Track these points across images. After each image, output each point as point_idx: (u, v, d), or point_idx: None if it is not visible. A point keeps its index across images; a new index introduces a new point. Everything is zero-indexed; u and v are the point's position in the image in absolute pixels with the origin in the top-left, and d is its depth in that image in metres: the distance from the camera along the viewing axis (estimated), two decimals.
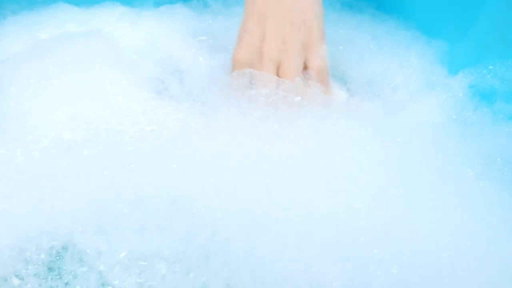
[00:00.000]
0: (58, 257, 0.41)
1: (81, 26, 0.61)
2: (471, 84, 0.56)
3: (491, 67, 0.55)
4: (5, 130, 0.46)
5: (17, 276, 0.40)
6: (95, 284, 0.40)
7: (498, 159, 0.47)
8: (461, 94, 0.55)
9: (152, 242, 0.40)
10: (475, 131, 0.51)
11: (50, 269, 0.41)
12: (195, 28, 0.61)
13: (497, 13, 0.55)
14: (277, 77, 0.50)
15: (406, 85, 0.59)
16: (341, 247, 0.40)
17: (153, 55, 0.57)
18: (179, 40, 0.58)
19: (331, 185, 0.43)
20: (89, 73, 0.49)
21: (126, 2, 0.66)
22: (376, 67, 0.61)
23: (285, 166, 0.44)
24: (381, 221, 0.41)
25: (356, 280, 0.39)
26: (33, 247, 0.41)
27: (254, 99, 0.48)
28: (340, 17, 0.66)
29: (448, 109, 0.55)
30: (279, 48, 0.50)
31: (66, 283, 0.40)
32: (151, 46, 0.58)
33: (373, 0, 0.67)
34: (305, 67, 0.52)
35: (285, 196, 0.43)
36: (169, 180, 0.43)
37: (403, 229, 0.41)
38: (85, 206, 0.42)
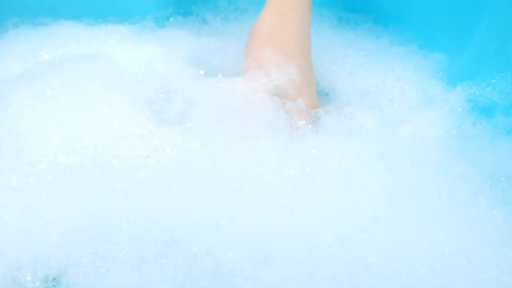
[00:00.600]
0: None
1: (82, 45, 0.62)
2: (470, 98, 0.55)
3: (490, 80, 0.54)
4: (1, 154, 0.46)
5: None
6: None
7: (503, 178, 0.46)
8: (459, 108, 0.55)
9: (150, 276, 0.40)
10: (475, 146, 0.51)
11: None
12: (194, 50, 0.61)
13: (494, 26, 0.55)
14: None
15: (403, 99, 0.58)
16: (348, 277, 0.39)
17: (151, 78, 0.57)
18: (179, 63, 0.58)
19: (335, 214, 0.43)
20: (87, 96, 0.49)
21: (128, 21, 0.67)
22: (372, 80, 0.61)
23: (288, 195, 0.43)
24: (389, 252, 0.40)
25: None
26: (27, 275, 0.41)
27: (257, 123, 0.48)
28: (336, 32, 0.65)
29: (447, 123, 0.54)
30: None
31: None
32: (150, 69, 0.58)
33: (371, 14, 0.67)
34: None
35: (289, 225, 0.42)
36: (166, 209, 0.42)
37: (411, 256, 0.40)
38: (80, 234, 0.41)
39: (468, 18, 0.57)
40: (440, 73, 0.60)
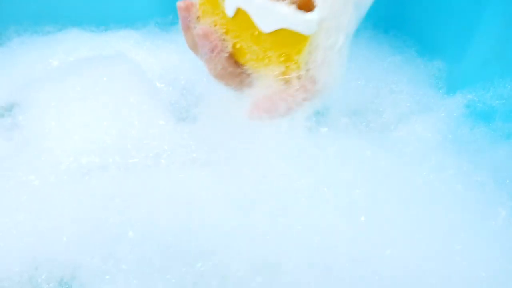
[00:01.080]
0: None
1: (93, 51, 0.62)
2: (468, 104, 0.56)
3: (490, 86, 0.55)
4: (25, 154, 0.46)
5: None
6: None
7: (507, 181, 0.47)
8: (455, 114, 0.56)
9: (156, 280, 0.40)
10: (473, 150, 0.52)
11: None
12: None
13: (493, 33, 0.56)
14: None
15: (404, 106, 0.60)
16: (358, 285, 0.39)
17: (170, 80, 0.57)
18: (195, 64, 0.59)
19: (344, 223, 0.43)
20: (109, 97, 0.50)
21: (130, 27, 0.68)
22: (372, 87, 0.62)
23: (298, 204, 0.44)
24: (399, 260, 0.40)
25: None
26: (42, 275, 0.41)
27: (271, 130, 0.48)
28: None
29: (446, 129, 0.55)
30: None
31: None
32: (168, 71, 0.59)
33: (371, 19, 0.68)
34: None
35: (297, 235, 0.42)
36: (179, 214, 0.43)
37: (425, 271, 0.40)
38: (92, 236, 0.42)
39: (467, 25, 0.58)
40: (440, 80, 0.61)
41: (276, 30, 0.34)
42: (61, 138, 0.46)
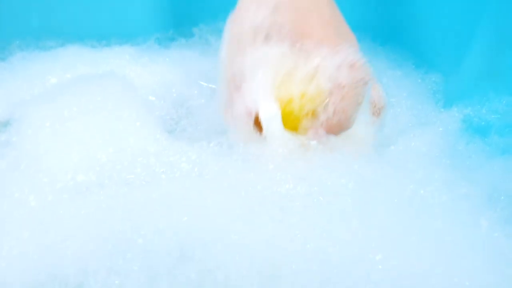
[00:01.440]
0: None
1: (90, 67, 0.63)
2: (465, 118, 0.57)
3: (485, 100, 0.56)
4: (20, 173, 0.47)
5: None
6: None
7: (502, 197, 0.47)
8: (451, 128, 0.57)
9: None
10: (469, 165, 0.52)
11: None
12: (203, 69, 0.63)
13: (489, 46, 0.57)
14: None
15: (401, 119, 0.60)
16: None
17: (164, 96, 0.58)
18: (190, 81, 0.60)
19: (343, 233, 0.43)
20: (103, 114, 0.50)
21: (130, 42, 0.69)
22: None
23: (297, 213, 0.44)
24: (395, 270, 0.41)
25: None
26: None
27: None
28: None
29: (443, 143, 0.55)
30: None
31: None
32: (162, 87, 0.59)
33: (369, 32, 0.69)
34: None
35: (297, 243, 0.42)
36: (179, 224, 0.43)
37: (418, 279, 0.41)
38: (96, 252, 0.42)
39: (463, 39, 0.59)
40: (437, 93, 0.62)
41: None
42: (57, 157, 0.47)
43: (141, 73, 0.62)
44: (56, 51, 0.67)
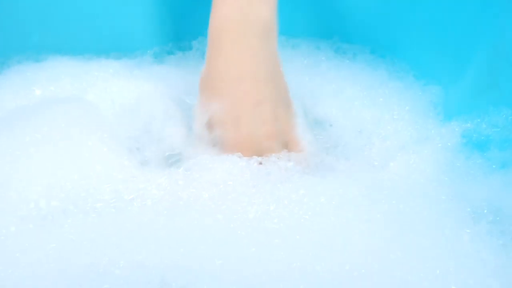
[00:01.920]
0: None
1: (74, 80, 0.62)
2: (464, 133, 0.55)
3: (484, 114, 0.54)
4: None
5: None
6: None
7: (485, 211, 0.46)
8: (449, 144, 0.55)
9: None
10: (467, 181, 0.50)
11: None
12: (188, 87, 0.61)
13: (488, 60, 0.55)
14: None
15: (399, 134, 0.58)
16: None
17: (137, 118, 0.57)
18: (168, 100, 0.59)
19: (327, 252, 0.42)
20: (67, 141, 0.49)
21: (127, 55, 0.68)
22: (368, 115, 0.60)
23: (280, 235, 0.43)
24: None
25: None
26: None
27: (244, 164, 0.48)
28: (332, 66, 0.65)
29: (441, 158, 0.54)
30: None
31: None
32: (136, 109, 0.58)
33: (367, 45, 0.68)
34: None
35: (281, 265, 0.42)
36: (157, 253, 0.42)
37: None
38: (68, 283, 0.40)
39: (463, 51, 0.58)
40: (436, 107, 0.60)
41: None
42: (18, 184, 0.46)
43: (118, 90, 0.61)
44: (45, 63, 0.66)
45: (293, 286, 0.40)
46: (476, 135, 0.54)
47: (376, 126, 0.60)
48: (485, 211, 0.45)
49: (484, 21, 0.55)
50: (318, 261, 0.42)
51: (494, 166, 0.51)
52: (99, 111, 0.54)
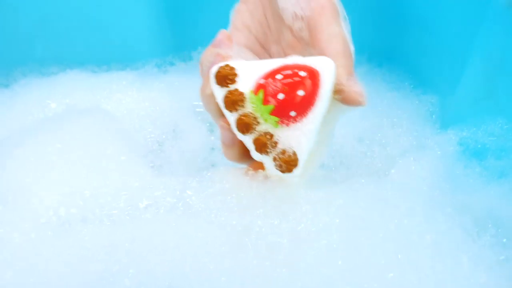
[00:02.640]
0: None
1: (87, 93, 0.64)
2: (461, 141, 0.56)
3: (481, 123, 0.55)
4: (4, 209, 0.47)
5: None
6: None
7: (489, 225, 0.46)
8: (447, 151, 0.56)
9: None
10: (466, 189, 0.52)
11: None
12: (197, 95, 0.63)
13: (484, 69, 0.56)
14: None
15: (397, 143, 0.60)
16: None
17: (152, 126, 0.58)
18: (182, 110, 0.60)
19: (329, 268, 0.43)
20: (86, 150, 0.50)
21: (130, 67, 0.69)
22: (366, 124, 0.62)
23: (284, 250, 0.43)
24: None
25: None
26: None
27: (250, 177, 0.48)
28: None
29: (439, 167, 0.55)
30: None
31: None
32: (152, 116, 0.59)
33: (365, 53, 0.69)
34: None
35: (284, 280, 0.42)
36: (166, 262, 0.43)
37: None
38: None
39: (458, 61, 0.59)
40: (434, 114, 0.61)
41: None
42: (39, 192, 0.47)
43: (133, 100, 0.62)
44: (57, 77, 0.68)
45: None
46: (473, 143, 0.55)
47: (375, 134, 0.62)
48: (490, 225, 0.46)
49: (480, 31, 0.56)
50: (322, 276, 0.42)
51: (492, 175, 0.52)
52: (116, 121, 0.56)
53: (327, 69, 0.40)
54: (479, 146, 0.55)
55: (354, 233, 0.44)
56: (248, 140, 0.43)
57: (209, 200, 0.47)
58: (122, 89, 0.66)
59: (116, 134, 0.53)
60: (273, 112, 0.40)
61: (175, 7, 0.70)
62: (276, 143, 0.42)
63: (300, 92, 0.39)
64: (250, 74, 0.42)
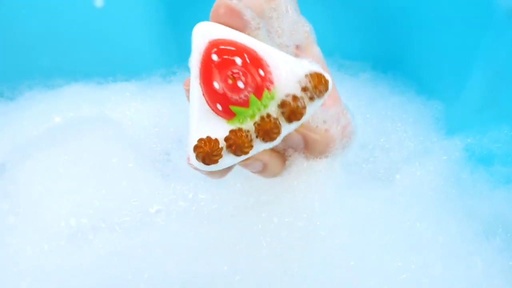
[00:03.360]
0: None
1: (93, 105, 0.64)
2: (467, 147, 0.56)
3: (486, 129, 0.55)
4: (16, 222, 0.47)
5: None
6: None
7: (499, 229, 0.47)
8: (453, 157, 0.56)
9: None
10: (474, 194, 0.52)
11: None
12: None
13: (489, 76, 0.56)
14: None
15: (402, 148, 0.60)
16: None
17: (158, 135, 0.58)
18: (187, 119, 0.60)
19: (342, 268, 0.43)
20: (94, 159, 0.51)
21: (135, 77, 0.70)
22: (371, 130, 0.62)
23: (297, 248, 0.44)
24: None
25: None
26: None
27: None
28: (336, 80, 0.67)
29: (445, 172, 0.55)
30: None
31: None
32: (158, 126, 0.60)
33: (369, 60, 0.69)
34: None
35: (296, 279, 0.43)
36: (180, 265, 0.43)
37: None
38: None
39: (463, 66, 0.59)
40: (439, 120, 0.62)
41: None
42: (50, 203, 0.48)
43: (138, 111, 0.63)
44: (62, 89, 0.68)
45: None
46: (478, 149, 0.55)
47: (379, 139, 0.62)
48: (500, 230, 0.46)
49: (484, 37, 0.56)
50: (335, 276, 0.43)
51: (499, 181, 0.52)
52: (122, 131, 0.56)
53: None
54: (485, 152, 0.55)
55: (367, 234, 0.45)
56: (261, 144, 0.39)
57: (221, 202, 0.48)
58: (127, 100, 0.66)
59: (122, 144, 0.53)
60: (256, 95, 0.37)
61: (178, 18, 0.71)
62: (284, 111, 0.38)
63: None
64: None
